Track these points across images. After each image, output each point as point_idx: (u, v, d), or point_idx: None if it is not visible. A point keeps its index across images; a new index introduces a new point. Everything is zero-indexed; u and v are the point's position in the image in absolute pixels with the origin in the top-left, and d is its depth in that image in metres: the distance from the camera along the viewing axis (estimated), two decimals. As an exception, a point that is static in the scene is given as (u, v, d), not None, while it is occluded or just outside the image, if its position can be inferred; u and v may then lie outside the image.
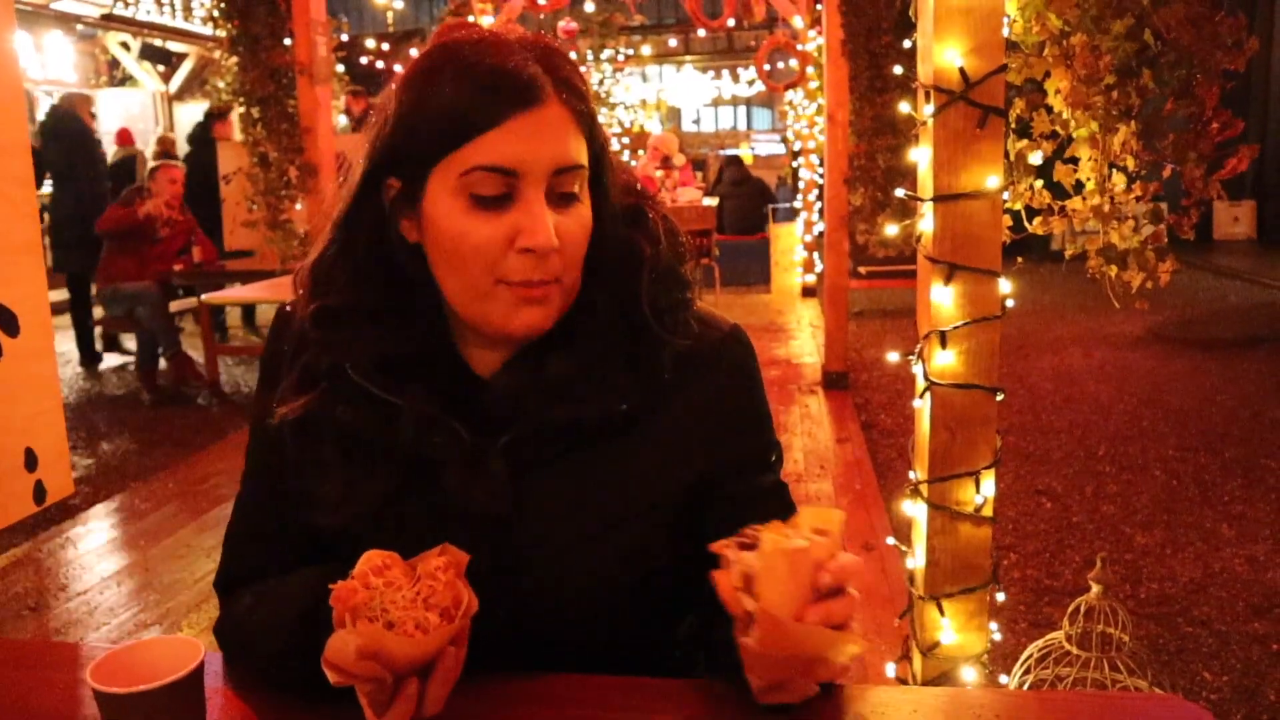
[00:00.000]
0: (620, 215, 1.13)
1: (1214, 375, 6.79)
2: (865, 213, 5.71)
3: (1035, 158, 1.95)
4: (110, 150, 12.14)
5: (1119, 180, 1.90)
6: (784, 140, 14.70)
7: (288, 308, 1.20)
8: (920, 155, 1.90)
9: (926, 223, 1.87)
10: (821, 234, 7.49)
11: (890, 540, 2.25)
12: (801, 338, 7.89)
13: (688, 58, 20.46)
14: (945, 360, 1.86)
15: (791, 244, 9.99)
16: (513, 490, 1.07)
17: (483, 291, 1.05)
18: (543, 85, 1.01)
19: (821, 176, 6.90)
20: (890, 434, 5.50)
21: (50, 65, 13.57)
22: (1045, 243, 13.36)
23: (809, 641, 0.84)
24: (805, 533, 0.88)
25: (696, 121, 25.18)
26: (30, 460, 1.58)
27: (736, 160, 12.19)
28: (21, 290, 1.50)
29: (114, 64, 15.05)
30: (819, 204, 8.55)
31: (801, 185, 9.87)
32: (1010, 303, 1.93)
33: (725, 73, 20.89)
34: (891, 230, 2.01)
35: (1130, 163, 1.90)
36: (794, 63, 9.62)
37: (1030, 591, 3.72)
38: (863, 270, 8.10)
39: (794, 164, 11.55)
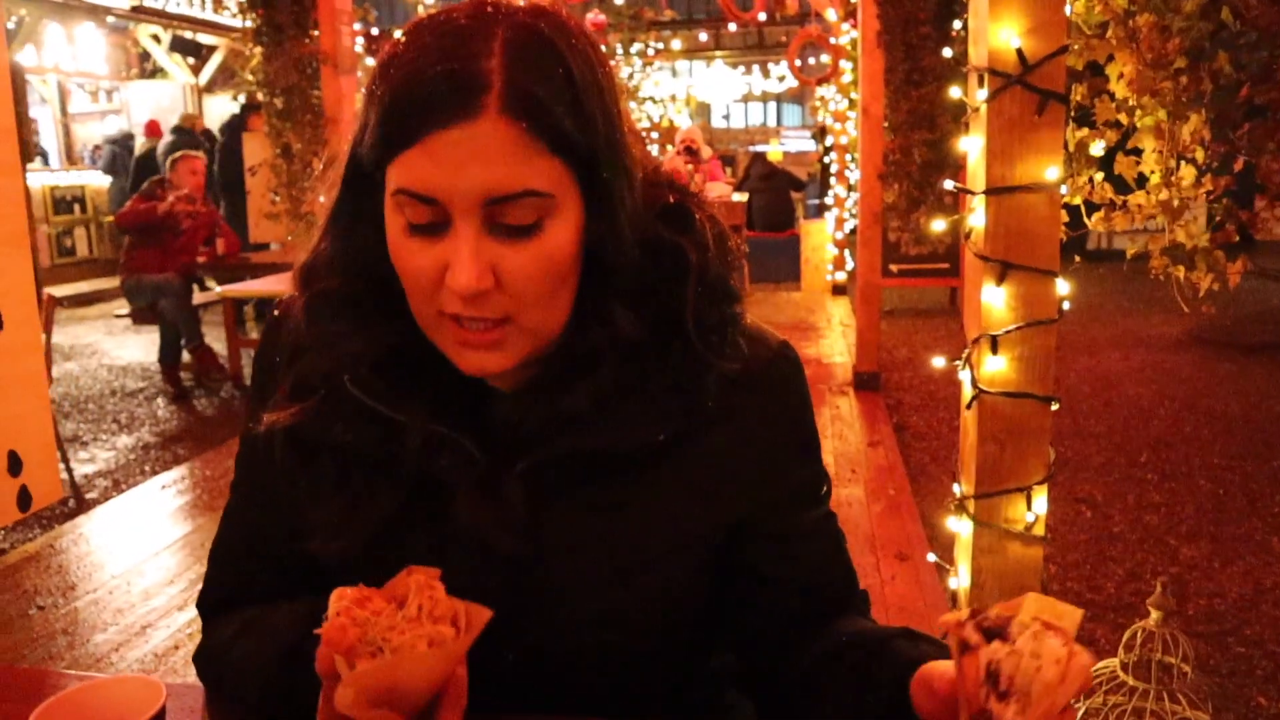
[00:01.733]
0: (652, 217, 0.96)
1: (1259, 379, 6.58)
2: (900, 209, 5.55)
3: (1096, 148, 1.80)
4: (139, 142, 12.17)
5: (1187, 173, 1.75)
6: (814, 136, 14.51)
7: (277, 312, 1.08)
8: (971, 144, 1.76)
9: (977, 218, 1.73)
10: (853, 231, 7.34)
11: (931, 557, 2.11)
12: (832, 336, 7.74)
13: (718, 53, 20.30)
14: (996, 367, 1.72)
15: (822, 241, 9.82)
16: (531, 523, 0.94)
17: (429, 321, 0.92)
18: (480, 94, 0.82)
19: (854, 172, 6.74)
20: (923, 437, 5.34)
21: (81, 57, 13.61)
22: (1081, 241, 13.12)
23: None
24: (1061, 629, 0.73)
25: (726, 117, 25.03)
26: (14, 464, 1.48)
27: (762, 157, 12.02)
28: (5, 283, 1.39)
29: (145, 56, 15.07)
30: (850, 200, 8.38)
31: (833, 181, 9.70)
32: (1066, 305, 1.78)
33: (756, 68, 20.72)
34: (939, 226, 1.87)
35: (1200, 154, 1.75)
36: (826, 58, 9.46)
37: (1072, 602, 3.56)
38: (895, 268, 7.92)
39: (824, 159, 11.37)
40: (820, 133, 13.06)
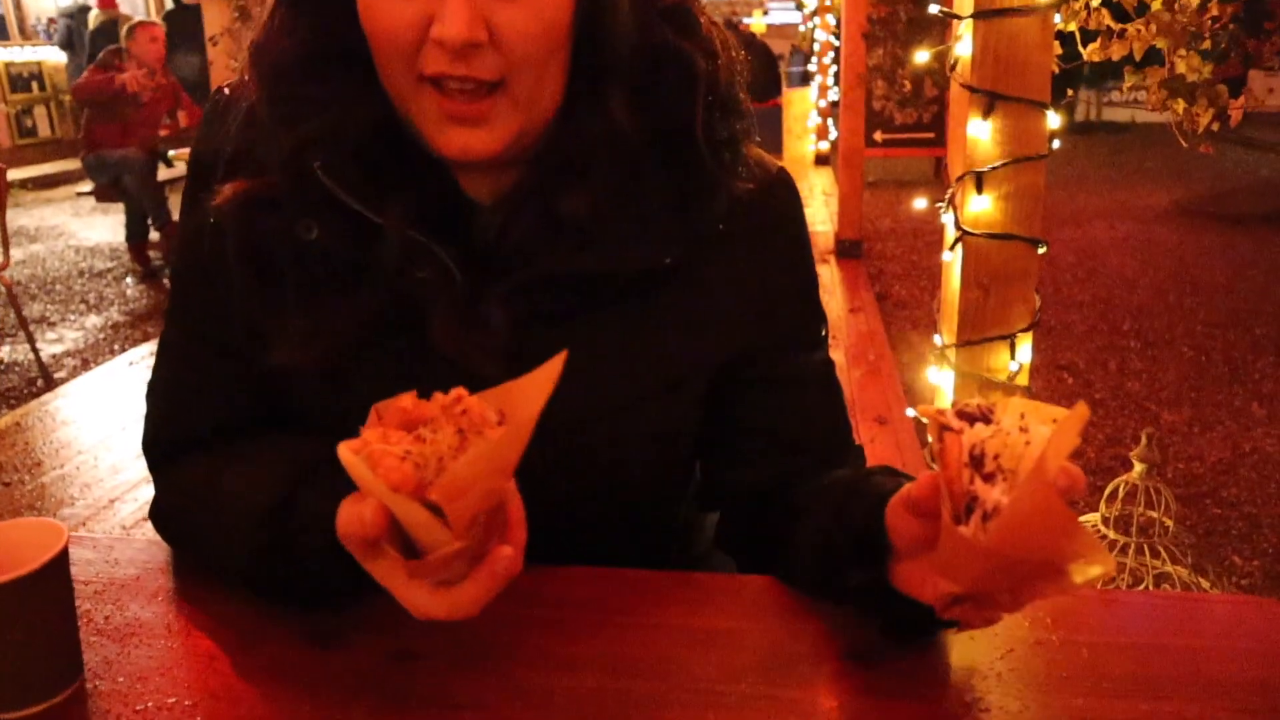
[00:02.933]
0: (654, 15, 0.86)
1: (1244, 250, 6.52)
2: (884, 70, 5.35)
3: (1095, -32, 1.66)
4: (92, 14, 11.65)
5: (1192, -3, 1.62)
6: (797, 5, 14.03)
7: (226, 91, 0.93)
8: (960, -35, 1.62)
9: (964, 46, 1.60)
10: (836, 102, 7.11)
11: (910, 412, 2.05)
12: (814, 205, 7.61)
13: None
14: (981, 206, 1.62)
15: (805, 110, 9.58)
16: (513, 349, 0.84)
17: (407, 90, 0.80)
18: None
19: (838, 37, 6.50)
20: (905, 305, 5.27)
21: (30, -77, 12.93)
22: (1069, 112, 12.84)
23: (1068, 538, 0.59)
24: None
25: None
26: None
27: (734, 27, 11.63)
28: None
29: (97, -78, 14.34)
30: (835, 68, 8.11)
31: (816, 48, 9.39)
32: (1056, 143, 1.67)
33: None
34: (922, 56, 1.74)
35: (1205, -24, 1.62)
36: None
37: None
38: (879, 137, 7.71)
39: (809, 25, 11.01)
40: (800, 4, 12.63)
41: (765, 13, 20.44)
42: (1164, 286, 5.72)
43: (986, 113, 1.57)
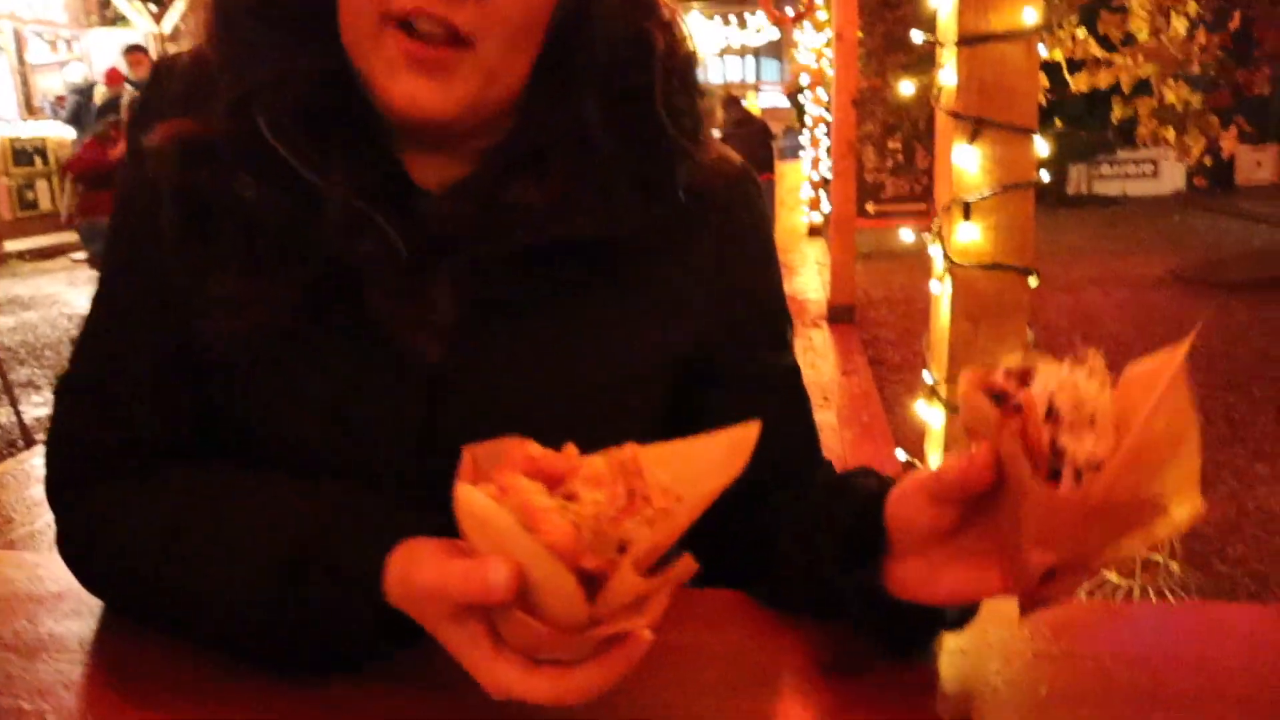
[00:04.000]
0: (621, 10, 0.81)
1: (1239, 316, 6.51)
2: (876, 139, 5.39)
3: (1079, -4, 1.65)
4: (98, 90, 11.82)
5: (1179, 25, 1.60)
6: (789, 96, 14.28)
7: (177, 53, 0.86)
8: (942, -8, 1.60)
9: (948, 73, 1.57)
10: (826, 179, 7.17)
11: (901, 454, 1.97)
12: (807, 275, 7.63)
13: (694, 4, 19.99)
14: (969, 236, 1.57)
15: (797, 182, 9.68)
16: (459, 330, 0.77)
17: (366, 34, 0.74)
18: None
19: (829, 110, 6.57)
20: (899, 370, 5.22)
21: (38, 4, 13.21)
22: (1060, 186, 12.98)
23: (1181, 477, 0.56)
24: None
25: (704, 72, 24.70)
26: None
27: (736, 102, 11.80)
28: None
29: (105, 3, 14.66)
30: (826, 141, 8.21)
31: (808, 121, 9.52)
32: (1045, 174, 1.64)
33: (733, 19, 20.45)
34: (907, 88, 1.71)
35: (1192, 7, 1.59)
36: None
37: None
38: (871, 209, 7.76)
39: (799, 97, 11.18)
40: (793, 87, 12.84)
41: (757, 95, 20.85)
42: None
43: (972, 139, 1.53)
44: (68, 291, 8.77)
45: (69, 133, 12.42)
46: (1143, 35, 1.64)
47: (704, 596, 0.82)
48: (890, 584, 0.68)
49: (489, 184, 0.79)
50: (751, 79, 27.03)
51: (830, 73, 6.38)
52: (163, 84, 0.84)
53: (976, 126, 1.52)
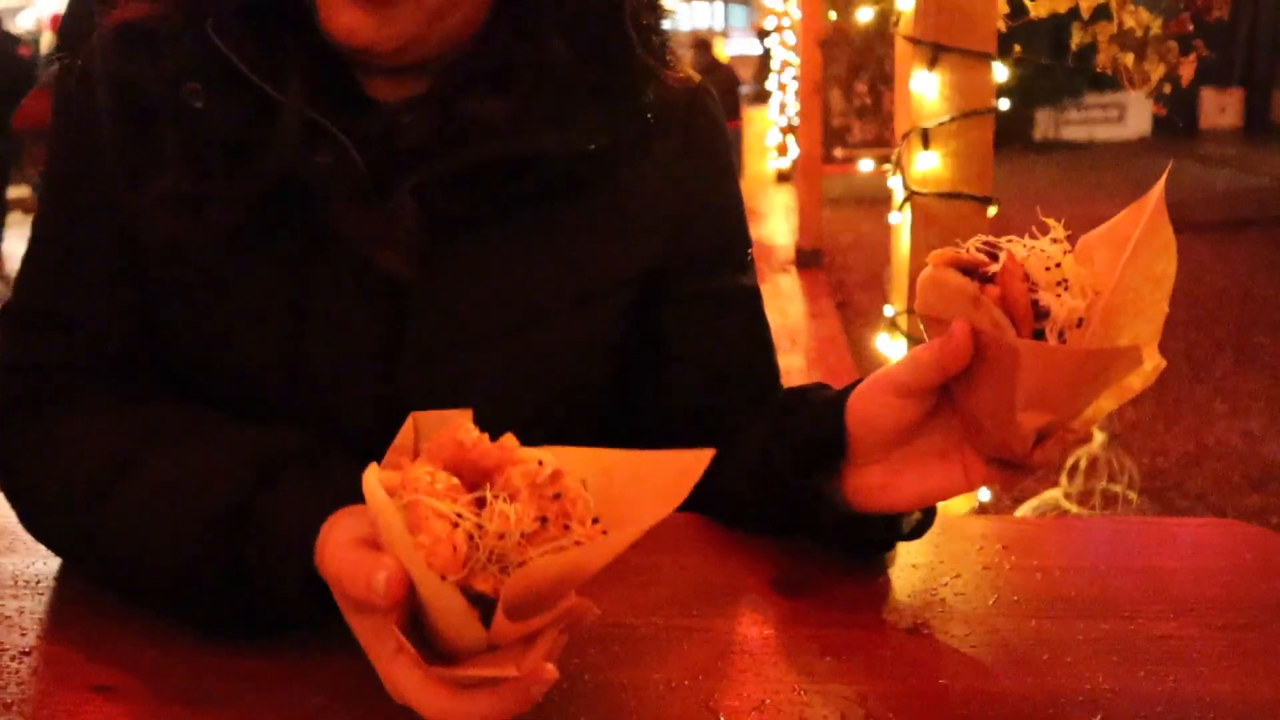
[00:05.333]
0: None
1: (1203, 256, 6.57)
2: (841, 79, 5.35)
3: (1039, -84, 1.61)
4: (44, 38, 11.49)
5: (1139, -53, 1.58)
6: (755, 31, 14.14)
7: None
8: (901, -87, 1.57)
9: (907, -2, 1.54)
10: (794, 125, 7.11)
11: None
12: (774, 220, 7.62)
13: (660, -54, 19.70)
14: (928, 164, 1.55)
15: (764, 128, 9.61)
16: (422, 245, 0.73)
17: None
18: None
19: (796, 52, 6.49)
20: (865, 314, 5.22)
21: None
22: (1027, 131, 12.97)
23: (1147, 327, 0.61)
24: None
25: (672, 18, 24.41)
26: None
27: (704, 46, 11.66)
28: None
29: (51, -50, 14.22)
30: (794, 85, 8.14)
31: (775, 66, 9.43)
32: (1005, 102, 1.62)
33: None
34: (865, 15, 1.68)
35: (1152, -73, 1.57)
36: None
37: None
38: (838, 153, 7.73)
39: (765, 43, 11.07)
40: (762, 35, 12.69)
41: (727, 38, 20.63)
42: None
43: (931, 64, 1.51)
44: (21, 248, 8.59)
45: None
46: (1103, -42, 1.62)
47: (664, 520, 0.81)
48: (850, 495, 0.68)
49: (447, 97, 0.76)
50: (720, 25, 26.75)
51: (797, 15, 6.31)
52: None
53: (935, 52, 1.50)
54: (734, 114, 10.63)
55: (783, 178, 9.36)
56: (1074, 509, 1.76)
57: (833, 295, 5.37)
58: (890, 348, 1.68)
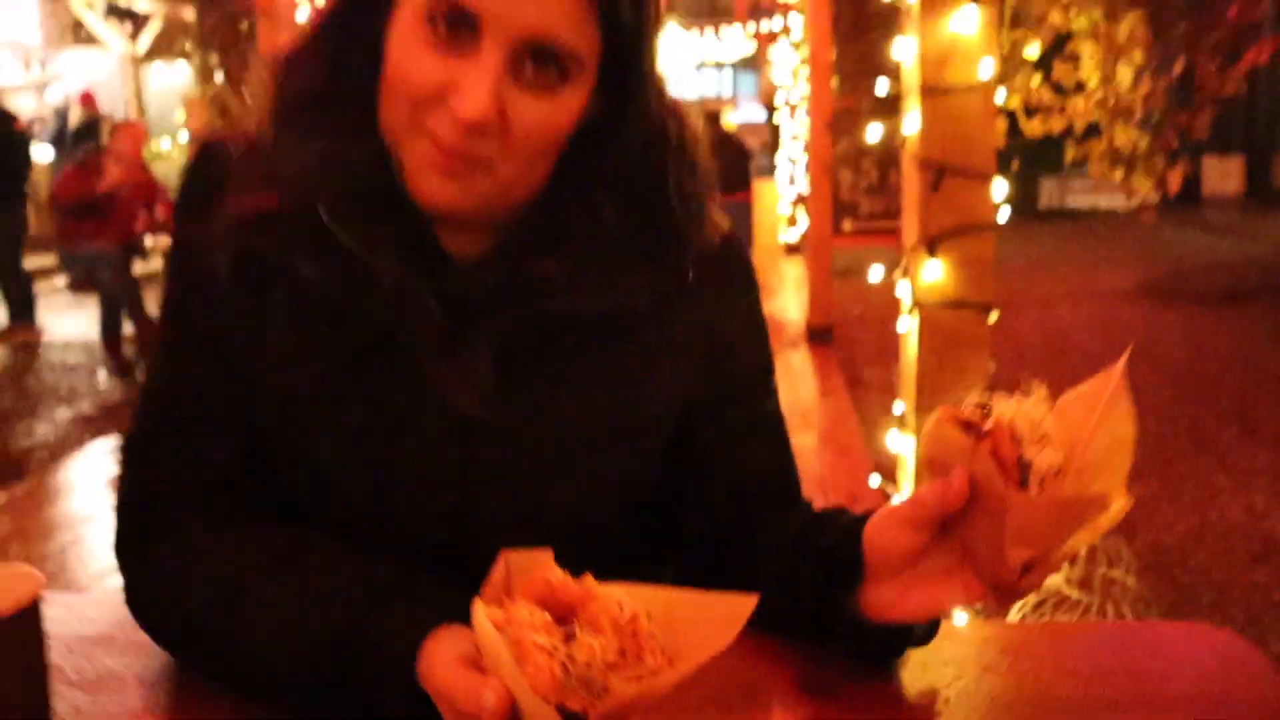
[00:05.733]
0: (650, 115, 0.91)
1: (1206, 328, 6.67)
2: (851, 159, 5.52)
3: (1032, 49, 1.76)
4: (72, 113, 11.85)
5: (1124, 74, 1.72)
6: (764, 104, 14.46)
7: (212, 138, 0.95)
8: (905, 47, 1.71)
9: (912, 122, 1.68)
10: (803, 196, 7.30)
11: (875, 479, 2.08)
12: (785, 294, 7.75)
13: (670, 16, 20.14)
14: (933, 276, 1.68)
15: (774, 201, 9.81)
16: (494, 388, 0.87)
17: (403, 129, 0.84)
18: None
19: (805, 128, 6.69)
20: (876, 389, 5.32)
21: (11, 25, 13.19)
22: (1033, 200, 13.20)
23: (1113, 477, 0.72)
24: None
25: (681, 87, 24.90)
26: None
27: (715, 118, 11.93)
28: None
29: (78, 24, 14.65)
30: (803, 158, 8.34)
31: (784, 140, 9.66)
32: (1005, 212, 1.75)
33: (710, 34, 20.57)
34: (875, 131, 1.82)
35: (1138, 55, 1.72)
36: (778, 20, 9.40)
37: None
38: (848, 226, 7.88)
39: (774, 119, 11.33)
40: (769, 99, 12.99)
41: (734, 109, 21.02)
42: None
43: (935, 185, 1.64)
44: (46, 317, 8.74)
45: (47, 154, 12.42)
46: (1093, 83, 1.76)
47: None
48: (866, 609, 0.79)
49: (513, 257, 0.89)
50: (728, 92, 27.16)
51: (805, 89, 6.52)
52: (208, 168, 0.94)
53: (938, 173, 1.64)
54: (744, 185, 10.81)
55: (792, 250, 9.53)
56: (1075, 594, 1.86)
57: (843, 371, 5.47)
58: (900, 442, 1.79)
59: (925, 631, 0.84)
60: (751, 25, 11.02)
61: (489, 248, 0.91)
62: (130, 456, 0.93)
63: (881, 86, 1.77)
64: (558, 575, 0.63)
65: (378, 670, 0.73)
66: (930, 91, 1.63)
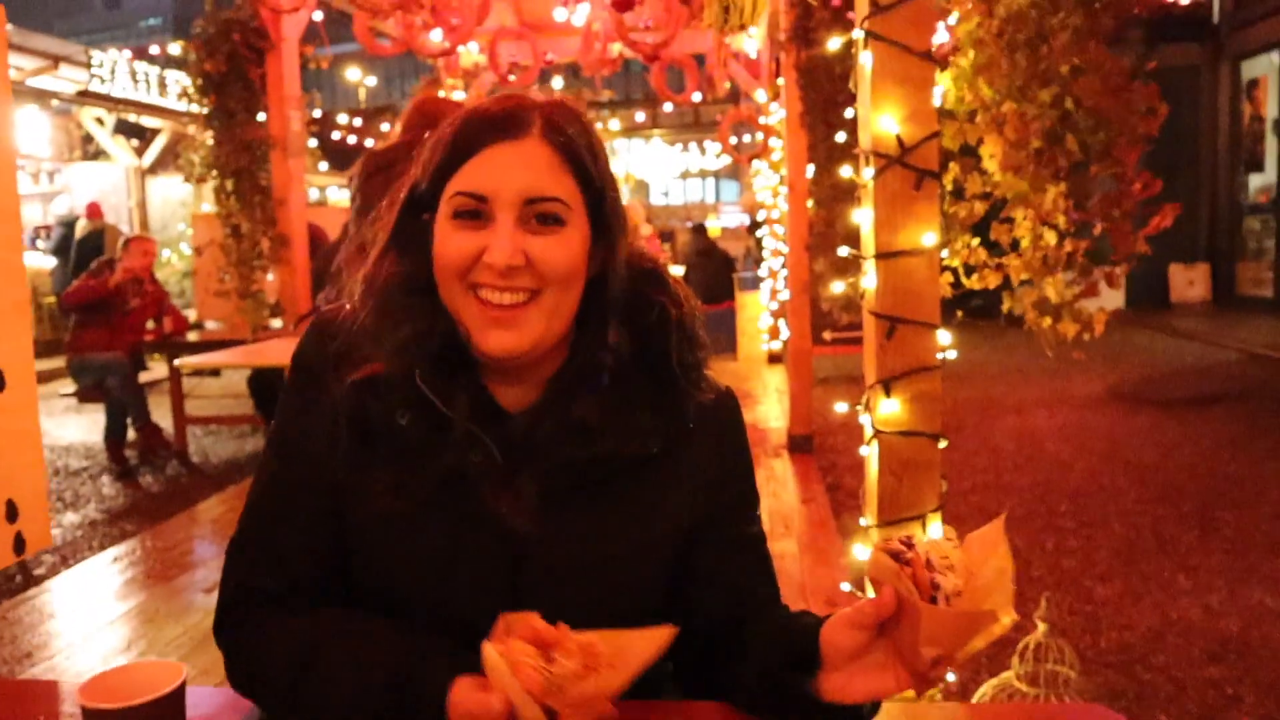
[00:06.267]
0: (636, 272, 1.23)
1: (1172, 432, 6.95)
2: (827, 279, 5.86)
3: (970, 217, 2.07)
4: (79, 224, 12.23)
5: (1050, 237, 2.03)
6: (746, 211, 14.99)
7: (315, 319, 1.26)
8: (863, 216, 2.02)
9: (870, 279, 1.98)
10: (786, 301, 7.63)
11: (845, 586, 2.33)
12: (768, 403, 8.00)
13: (655, 131, 20.88)
14: (890, 409, 1.96)
15: (757, 312, 10.16)
16: (539, 514, 1.15)
17: (458, 297, 1.14)
18: (527, 122, 1.13)
19: (786, 244, 7.06)
20: (856, 495, 5.55)
21: (25, 140, 13.68)
22: (995, 306, 13.63)
23: (1004, 596, 0.97)
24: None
25: (665, 194, 25.56)
26: (11, 512, 1.63)
27: (702, 230, 12.41)
28: (8, 347, 1.57)
29: (88, 139, 15.17)
30: (784, 272, 8.72)
31: (766, 254, 10.07)
32: (953, 354, 2.04)
33: (693, 146, 21.29)
34: (838, 288, 2.12)
35: (1061, 221, 2.03)
36: (759, 136, 9.88)
37: (994, 645, 3.78)
38: (827, 336, 8.22)
39: (757, 234, 11.78)
40: (752, 209, 13.48)
41: (718, 216, 21.63)
42: (1098, 469, 6.09)
43: (889, 334, 1.93)
44: (46, 422, 8.90)
45: (49, 262, 12.75)
46: (1025, 243, 2.07)
47: (699, 706, 1.17)
48: (822, 691, 1.04)
49: (554, 407, 1.18)
50: (711, 199, 27.82)
51: (785, 208, 6.90)
52: (322, 340, 1.23)
53: (892, 324, 1.93)
54: (728, 295, 11.24)
55: (774, 359, 9.84)
56: (1024, 688, 2.09)
57: (823, 479, 5.71)
58: (865, 554, 2.05)
59: (870, 710, 1.09)
60: (733, 140, 11.52)
61: (535, 399, 1.19)
62: (235, 552, 1.23)
63: (842, 250, 2.08)
64: (541, 624, 0.94)
65: (418, 709, 1.00)
66: (883, 255, 1.93)
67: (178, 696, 1.00)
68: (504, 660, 0.89)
